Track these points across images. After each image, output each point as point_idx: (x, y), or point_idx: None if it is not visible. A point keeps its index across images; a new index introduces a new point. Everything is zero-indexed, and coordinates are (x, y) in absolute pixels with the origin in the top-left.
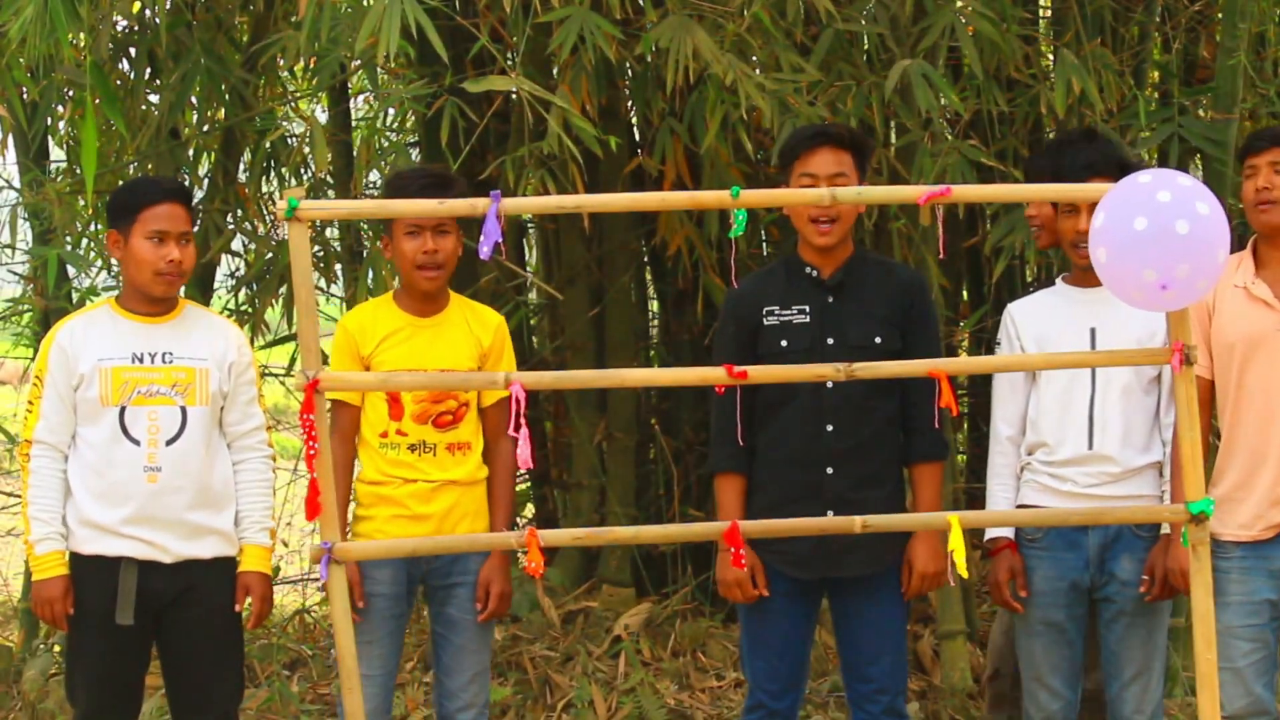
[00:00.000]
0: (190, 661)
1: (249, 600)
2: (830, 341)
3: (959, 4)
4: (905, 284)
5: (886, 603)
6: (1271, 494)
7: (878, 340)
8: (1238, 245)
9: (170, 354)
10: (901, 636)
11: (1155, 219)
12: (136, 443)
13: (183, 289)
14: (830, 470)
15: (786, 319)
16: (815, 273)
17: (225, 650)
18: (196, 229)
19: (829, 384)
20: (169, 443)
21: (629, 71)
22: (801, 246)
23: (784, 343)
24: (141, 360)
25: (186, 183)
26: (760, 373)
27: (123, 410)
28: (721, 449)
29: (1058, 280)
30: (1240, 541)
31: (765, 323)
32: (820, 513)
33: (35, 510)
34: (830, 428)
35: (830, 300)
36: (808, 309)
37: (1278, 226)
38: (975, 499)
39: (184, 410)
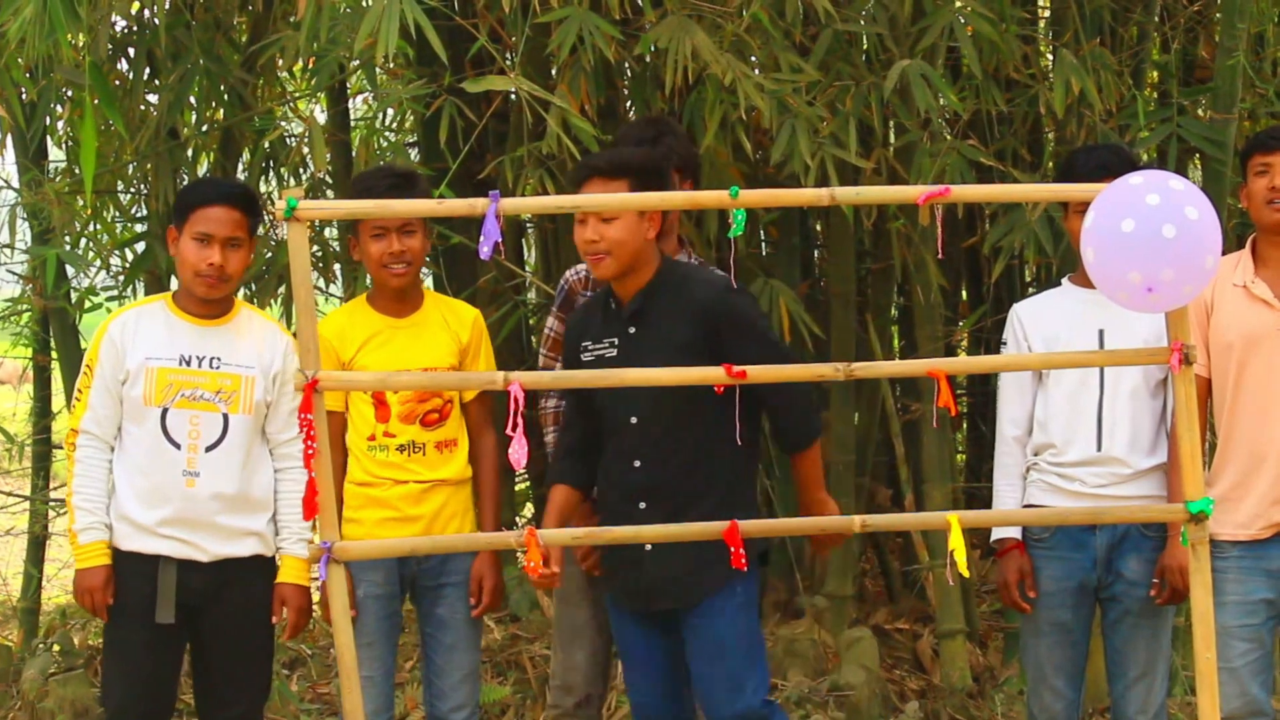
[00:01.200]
0: (221, 657)
1: (285, 611)
2: None
3: (958, 4)
4: (703, 305)
5: (713, 618)
6: (1271, 493)
7: None
8: (1236, 244)
9: (218, 359)
10: (744, 641)
11: (1143, 222)
12: (177, 446)
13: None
14: (642, 505)
15: (599, 353)
16: (616, 304)
17: (256, 647)
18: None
19: (633, 420)
20: (209, 449)
21: (628, 71)
22: None
23: None
24: (189, 363)
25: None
26: (759, 372)
27: (165, 412)
28: (558, 461)
29: (1063, 280)
30: (1237, 541)
31: (583, 358)
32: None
33: (79, 500)
34: (637, 463)
35: (632, 331)
36: (616, 342)
37: None
38: (975, 499)
39: (226, 417)
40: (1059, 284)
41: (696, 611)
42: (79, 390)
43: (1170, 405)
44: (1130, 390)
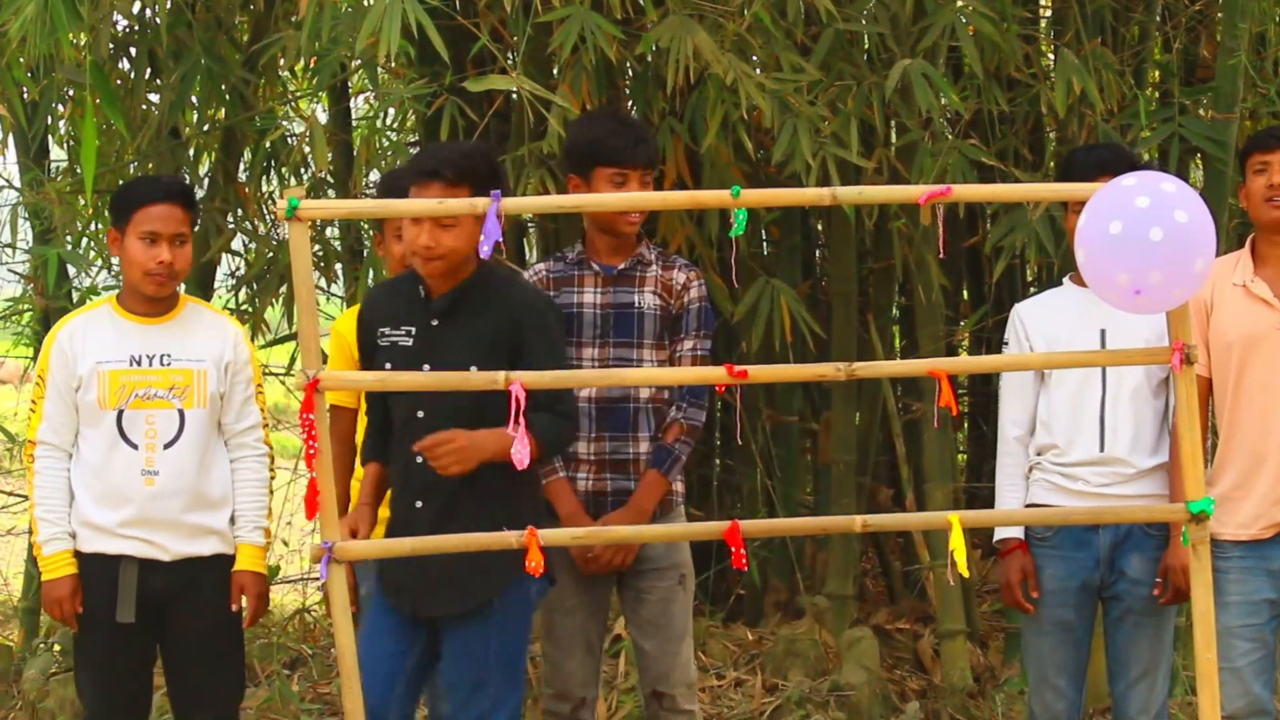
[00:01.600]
0: (190, 658)
1: (245, 599)
2: (426, 368)
3: (959, 3)
4: (515, 307)
5: (476, 631)
6: (1272, 493)
7: (473, 369)
8: (1238, 244)
9: (168, 356)
10: (503, 662)
11: (1130, 224)
12: (134, 446)
13: (183, 286)
14: (419, 504)
15: (395, 340)
16: (425, 292)
17: (225, 647)
18: (196, 229)
19: (419, 414)
20: (166, 446)
21: (629, 71)
22: None
23: (388, 365)
24: (139, 363)
25: (187, 182)
26: (760, 372)
27: (120, 414)
28: (368, 440)
29: (1064, 280)
30: (1239, 541)
31: (379, 343)
32: None
33: (41, 511)
34: (419, 459)
35: (435, 324)
36: (413, 331)
37: None
38: (976, 499)
39: (182, 413)
40: (1060, 283)
41: (462, 619)
42: (33, 401)
43: (1172, 405)
44: (1132, 390)
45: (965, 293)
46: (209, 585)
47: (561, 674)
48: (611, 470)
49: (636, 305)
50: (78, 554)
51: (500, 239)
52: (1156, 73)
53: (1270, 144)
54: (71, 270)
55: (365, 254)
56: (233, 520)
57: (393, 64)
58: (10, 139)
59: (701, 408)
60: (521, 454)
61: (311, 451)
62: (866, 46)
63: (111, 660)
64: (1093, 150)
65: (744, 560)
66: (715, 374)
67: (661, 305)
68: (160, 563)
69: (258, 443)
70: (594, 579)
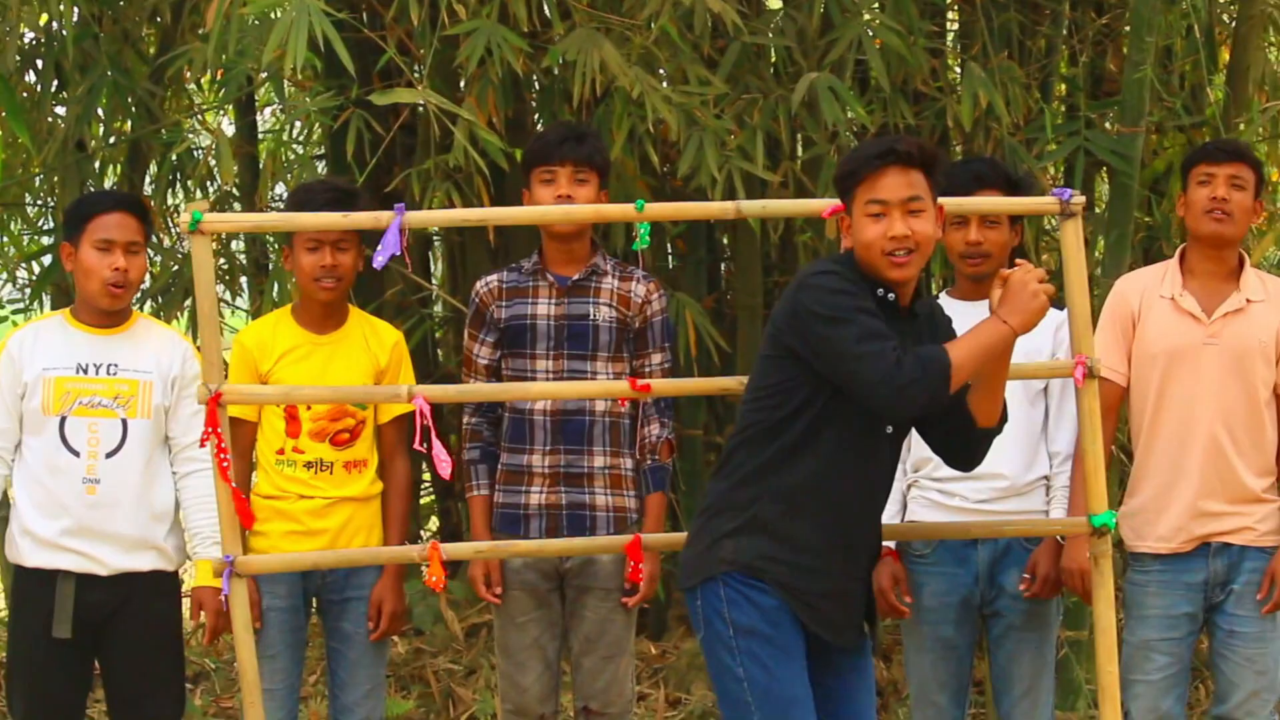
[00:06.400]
0: (129, 675)
1: (204, 615)
2: None
3: (866, 17)
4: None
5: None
6: (1192, 507)
7: None
8: (1144, 258)
9: (115, 365)
10: None
11: None
12: (76, 454)
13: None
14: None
15: None
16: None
17: (164, 663)
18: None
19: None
20: (109, 455)
21: (536, 84)
22: None
23: None
24: (85, 371)
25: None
26: (663, 385)
27: (63, 420)
28: None
29: (941, 294)
30: (1158, 554)
31: None
32: None
33: None
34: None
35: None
36: None
37: (1225, 238)
38: None
39: (125, 423)
40: (937, 298)
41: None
42: None
43: (1053, 417)
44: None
45: None
46: (147, 600)
47: (518, 689)
48: (566, 483)
49: (591, 317)
50: (20, 569)
51: (399, 252)
52: (1063, 86)
53: (1218, 157)
54: None
55: (270, 267)
56: (187, 536)
57: (299, 77)
58: None
59: (672, 420)
60: (445, 466)
61: (225, 465)
62: (773, 60)
63: (47, 677)
64: (970, 164)
65: (641, 574)
66: (618, 387)
67: (618, 318)
68: (98, 577)
69: (206, 457)
70: (548, 594)
